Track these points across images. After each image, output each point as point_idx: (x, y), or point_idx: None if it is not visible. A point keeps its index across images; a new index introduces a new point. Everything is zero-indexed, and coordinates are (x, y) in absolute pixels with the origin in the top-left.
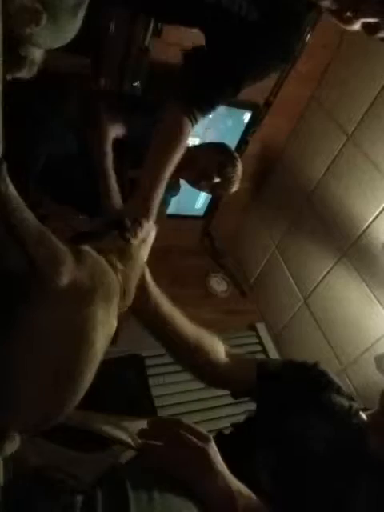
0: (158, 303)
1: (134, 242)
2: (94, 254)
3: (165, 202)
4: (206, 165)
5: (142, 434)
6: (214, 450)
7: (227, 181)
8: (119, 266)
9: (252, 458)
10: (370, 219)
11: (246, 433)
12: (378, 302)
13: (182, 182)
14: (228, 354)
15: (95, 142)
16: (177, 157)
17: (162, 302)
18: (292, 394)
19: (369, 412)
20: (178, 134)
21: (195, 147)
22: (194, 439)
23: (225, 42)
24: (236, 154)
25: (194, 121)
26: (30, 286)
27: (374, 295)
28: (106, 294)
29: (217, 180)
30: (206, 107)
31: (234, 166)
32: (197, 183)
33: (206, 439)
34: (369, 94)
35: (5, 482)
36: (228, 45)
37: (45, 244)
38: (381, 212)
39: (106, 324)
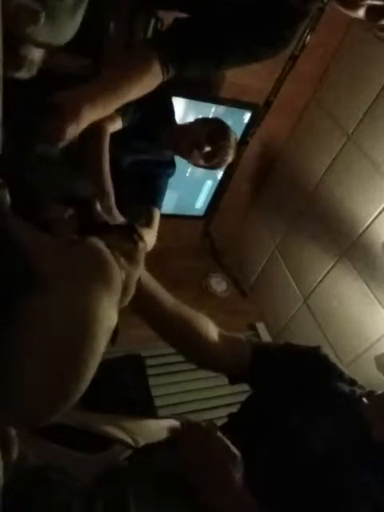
0: (144, 281)
1: (141, 245)
2: (102, 246)
3: (163, 184)
4: (196, 135)
5: (173, 431)
6: (238, 468)
7: (219, 148)
8: (124, 263)
9: (247, 454)
10: (370, 219)
11: (241, 425)
12: (378, 301)
13: (182, 182)
14: (220, 336)
15: (93, 139)
16: (133, 88)
17: (149, 281)
18: (291, 380)
19: (375, 394)
20: (145, 74)
21: (188, 123)
22: (222, 452)
23: (215, 20)
24: (226, 124)
25: (165, 74)
26: (29, 279)
27: (374, 295)
28: (109, 286)
29: (208, 149)
30: (182, 70)
31: (224, 132)
32: (190, 155)
33: (234, 457)
34: (369, 94)
35: (5, 482)
36: (218, 23)
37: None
38: (381, 212)
39: (108, 315)
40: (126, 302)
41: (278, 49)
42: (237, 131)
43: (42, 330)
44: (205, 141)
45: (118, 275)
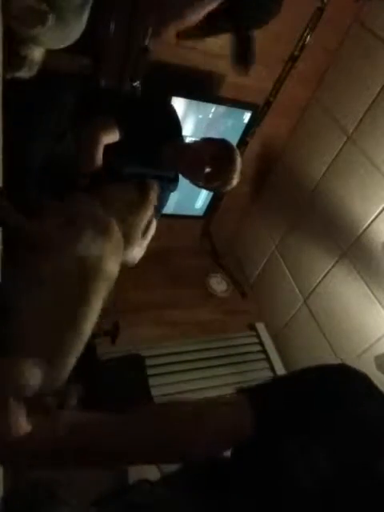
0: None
1: (151, 194)
2: (96, 209)
3: (164, 198)
4: (199, 154)
5: None
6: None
7: (222, 171)
8: (125, 215)
9: (228, 487)
10: (370, 219)
11: (232, 461)
12: (378, 301)
13: (182, 181)
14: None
15: (85, 149)
16: None
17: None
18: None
19: None
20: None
21: (193, 141)
22: None
23: None
24: (233, 146)
25: None
26: (31, 242)
27: (374, 295)
28: (108, 242)
29: (208, 169)
30: None
31: (229, 154)
32: (191, 173)
33: None
34: (369, 94)
35: (6, 492)
36: None
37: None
38: (381, 212)
39: (108, 270)
40: (131, 252)
41: (262, 21)
42: (237, 131)
43: (43, 288)
44: (207, 161)
45: (119, 233)
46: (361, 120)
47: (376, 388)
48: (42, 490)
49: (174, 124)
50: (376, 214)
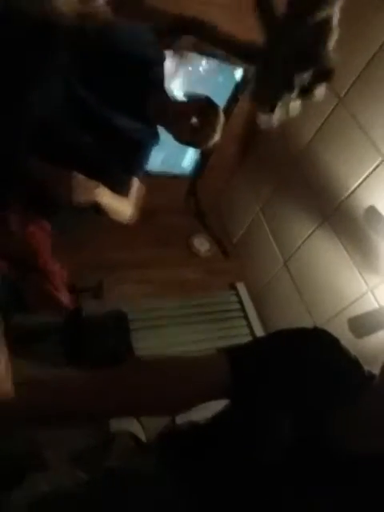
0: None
1: None
2: None
3: (147, 153)
4: (185, 105)
5: None
6: None
7: (207, 121)
8: None
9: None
10: (354, 185)
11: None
12: (356, 266)
13: (170, 140)
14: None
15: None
16: None
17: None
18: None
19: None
20: None
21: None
22: None
23: None
24: (215, 102)
25: None
26: None
27: (352, 260)
28: None
29: (194, 120)
30: None
31: (213, 107)
32: (177, 125)
33: None
34: (362, 59)
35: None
36: None
37: None
38: (365, 178)
39: None
40: None
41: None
42: (228, 88)
43: None
44: (191, 111)
45: None
46: (353, 83)
47: (345, 348)
48: (28, 455)
49: (160, 75)
50: (360, 180)
